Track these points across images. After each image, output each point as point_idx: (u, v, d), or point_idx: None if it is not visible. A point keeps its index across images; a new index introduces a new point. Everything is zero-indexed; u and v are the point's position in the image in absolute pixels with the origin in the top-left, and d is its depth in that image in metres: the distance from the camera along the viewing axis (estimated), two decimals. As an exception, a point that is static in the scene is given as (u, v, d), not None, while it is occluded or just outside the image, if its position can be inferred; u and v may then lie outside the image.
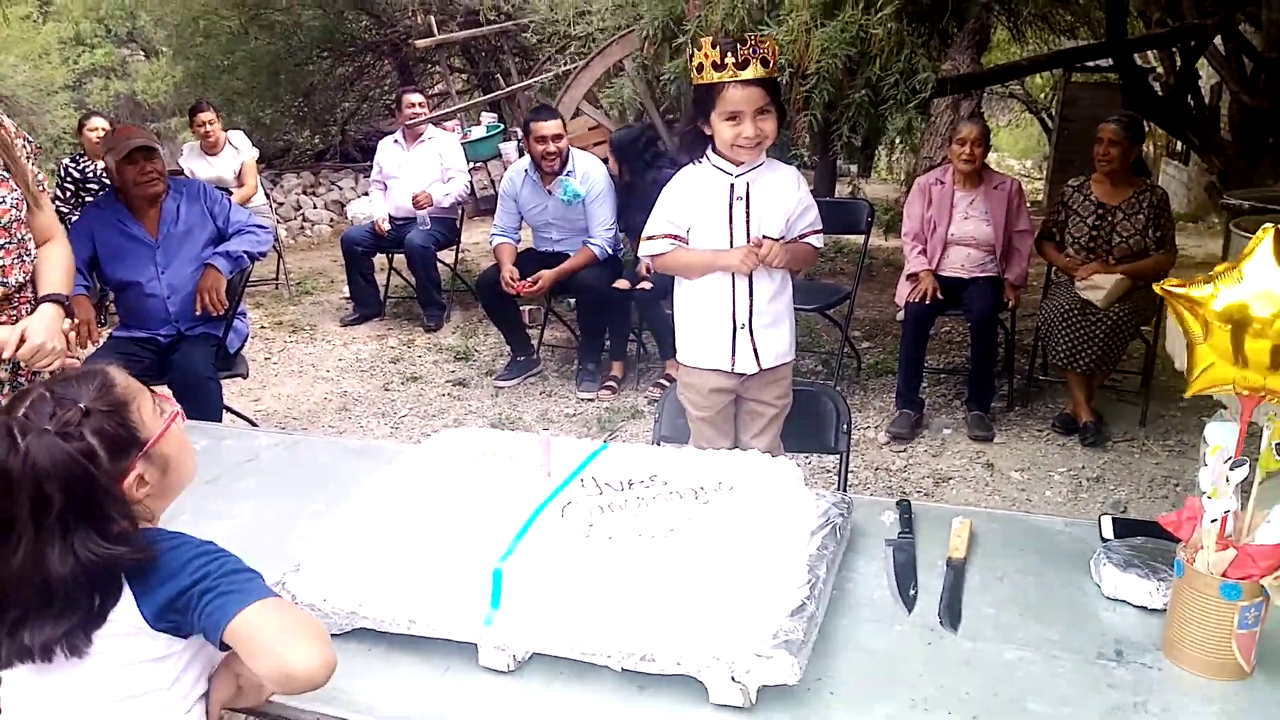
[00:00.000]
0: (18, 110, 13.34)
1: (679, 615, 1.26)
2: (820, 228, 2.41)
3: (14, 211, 1.87)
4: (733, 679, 1.21)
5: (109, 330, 3.65)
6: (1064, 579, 1.48)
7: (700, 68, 2.15)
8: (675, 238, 2.30)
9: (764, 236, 2.26)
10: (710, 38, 2.16)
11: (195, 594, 1.13)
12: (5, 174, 1.86)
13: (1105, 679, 1.25)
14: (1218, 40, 7.32)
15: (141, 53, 17.06)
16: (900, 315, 4.16)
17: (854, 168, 11.03)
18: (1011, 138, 20.33)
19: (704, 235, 2.29)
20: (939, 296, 3.98)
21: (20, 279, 1.90)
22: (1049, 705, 1.20)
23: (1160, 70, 9.28)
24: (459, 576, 1.35)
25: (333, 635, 1.36)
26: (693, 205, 2.28)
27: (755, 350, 2.31)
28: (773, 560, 1.38)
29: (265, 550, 1.59)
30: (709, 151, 2.26)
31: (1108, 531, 1.58)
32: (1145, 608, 1.38)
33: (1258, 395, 1.18)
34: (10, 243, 1.87)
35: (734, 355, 2.32)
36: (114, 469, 1.14)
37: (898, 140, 5.66)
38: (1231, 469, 1.19)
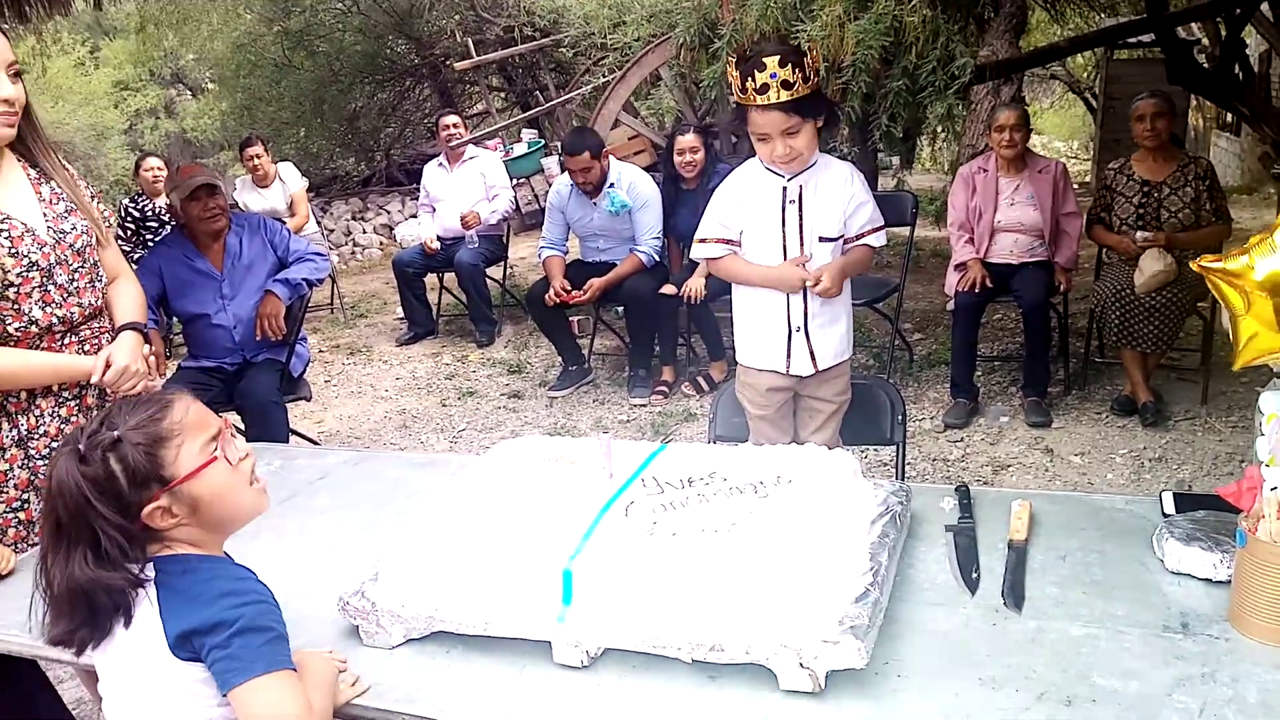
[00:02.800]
0: (75, 155, 13.82)
1: (745, 605, 1.30)
2: (880, 224, 2.41)
3: (85, 238, 1.96)
4: (801, 665, 1.24)
5: (177, 362, 3.78)
6: (1127, 556, 1.49)
7: (731, 87, 2.20)
8: (728, 241, 2.33)
9: (820, 239, 2.28)
10: (734, 59, 2.20)
11: (209, 643, 1.17)
12: (73, 205, 1.96)
13: (1172, 651, 1.26)
14: (1265, 7, 7.16)
15: (188, 91, 17.56)
16: (950, 305, 4.15)
17: (896, 159, 10.96)
18: (1056, 119, 20.02)
19: (757, 238, 2.32)
20: (989, 284, 3.96)
21: (94, 302, 1.99)
22: (1116, 679, 1.21)
23: (1206, 41, 9.11)
24: (530, 577, 1.39)
25: (411, 639, 1.44)
26: (746, 208, 2.31)
27: (811, 352, 2.34)
28: (834, 549, 1.40)
29: (342, 561, 1.66)
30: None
31: (1169, 507, 1.58)
32: (1210, 580, 1.38)
33: (1309, 362, 1.18)
34: (83, 266, 1.96)
35: (789, 358, 2.35)
36: (134, 496, 1.19)
37: (939, 129, 5.64)
38: (1288, 437, 1.20)
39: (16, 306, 1.85)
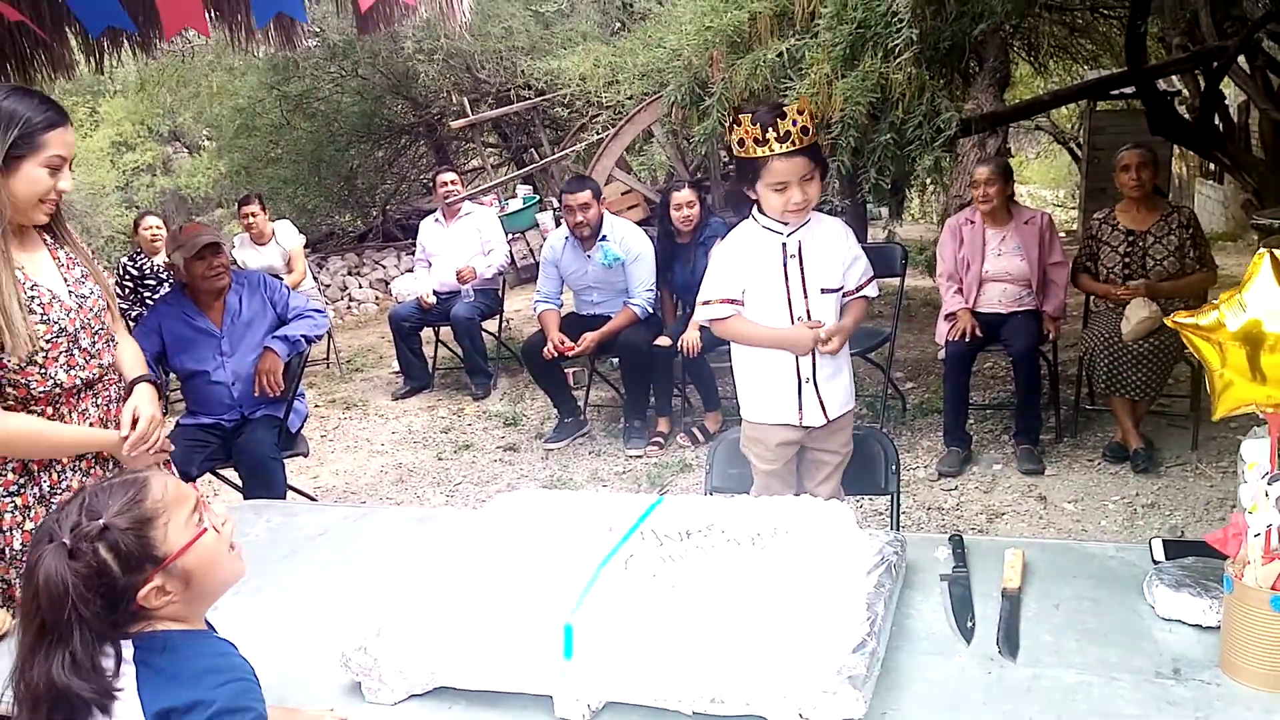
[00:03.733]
0: (72, 215, 13.93)
1: (745, 657, 1.32)
2: (872, 275, 2.47)
3: (101, 301, 2.05)
4: (800, 716, 1.25)
5: (175, 419, 3.80)
6: (1119, 603, 1.51)
7: (741, 142, 2.22)
8: (733, 301, 2.36)
9: (821, 291, 2.34)
10: (750, 114, 2.22)
11: None
12: (87, 270, 2.04)
13: (1165, 697, 1.28)
14: (1242, 59, 7.35)
15: (185, 149, 17.76)
16: (941, 354, 4.20)
17: (885, 211, 11.12)
18: (1042, 169, 20.33)
19: (760, 295, 2.35)
20: (978, 334, 4.02)
21: (110, 361, 2.07)
22: (1111, 725, 1.23)
23: (1186, 93, 9.31)
24: (532, 632, 1.41)
25: (414, 695, 1.45)
26: (747, 267, 2.34)
27: (822, 403, 2.38)
28: (831, 599, 1.43)
29: (344, 617, 1.68)
30: (755, 212, 2.34)
31: (1159, 554, 1.61)
32: (1200, 625, 1.40)
33: (1283, 411, 1.22)
34: (102, 329, 2.04)
35: (801, 409, 2.38)
36: (128, 581, 1.18)
37: (927, 181, 5.75)
38: (1270, 484, 1.23)
39: (43, 370, 1.92)
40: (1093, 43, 9.11)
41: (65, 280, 1.97)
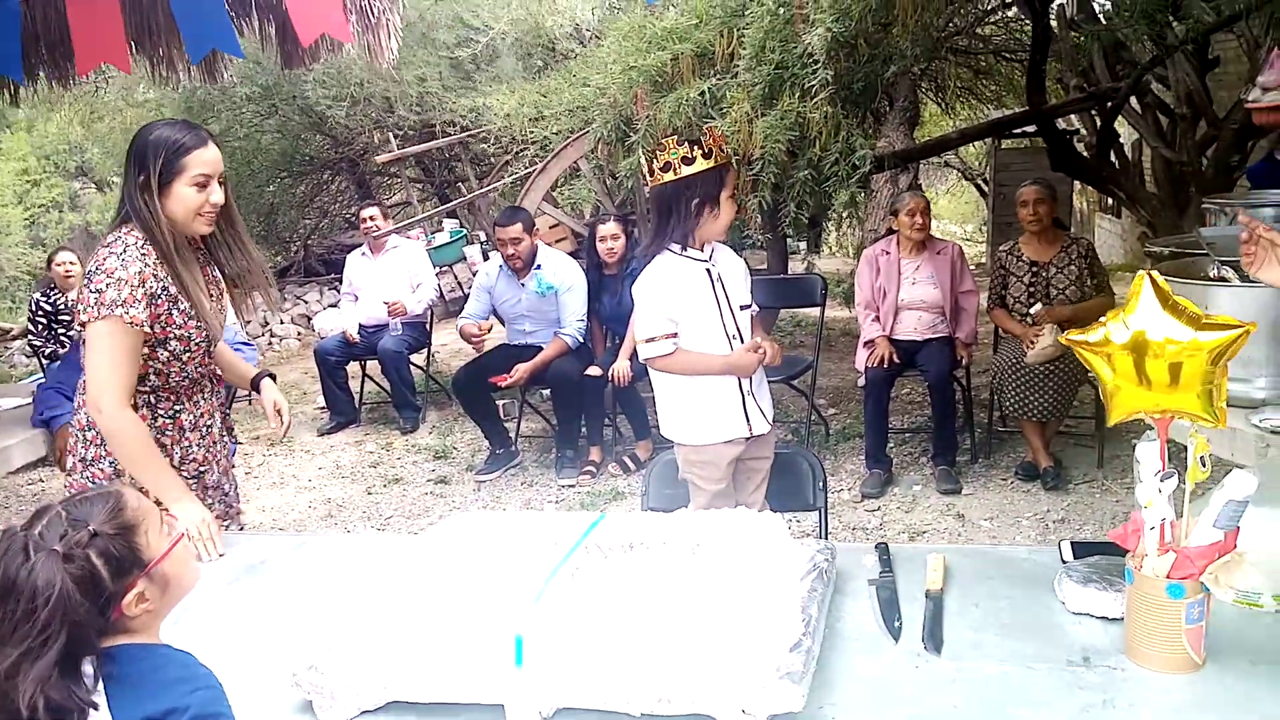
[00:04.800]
0: (-25, 251, 13.42)
1: (690, 659, 1.38)
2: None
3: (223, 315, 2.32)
4: (744, 712, 1.32)
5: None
6: (1033, 600, 1.62)
7: (710, 153, 2.33)
8: (673, 336, 2.42)
9: (740, 308, 2.46)
10: (709, 128, 2.38)
11: None
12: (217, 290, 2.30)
13: (1076, 683, 1.38)
14: (1134, 100, 7.80)
15: (93, 185, 17.30)
16: (861, 381, 4.36)
17: (804, 244, 11.42)
18: (951, 204, 21.09)
19: (696, 323, 2.43)
20: (896, 360, 4.19)
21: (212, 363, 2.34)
22: (1029, 709, 1.33)
23: (1084, 131, 9.82)
24: (482, 642, 1.46)
25: (365, 711, 1.48)
26: (681, 298, 2.42)
27: (761, 410, 2.50)
28: (768, 603, 1.51)
29: (291, 639, 1.69)
30: (672, 245, 2.43)
31: (1068, 555, 1.73)
32: (1107, 618, 1.52)
33: (1167, 415, 1.35)
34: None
35: (749, 420, 2.47)
36: (116, 587, 1.21)
37: (844, 215, 5.96)
38: (1161, 481, 1.35)
39: (183, 366, 2.19)
40: (996, 84, 9.58)
41: (208, 293, 2.23)
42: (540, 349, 4.72)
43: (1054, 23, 6.73)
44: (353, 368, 6.16)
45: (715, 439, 2.46)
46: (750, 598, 1.50)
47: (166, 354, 2.14)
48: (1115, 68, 7.14)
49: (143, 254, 2.08)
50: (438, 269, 6.33)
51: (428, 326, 6.12)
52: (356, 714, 1.47)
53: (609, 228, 4.71)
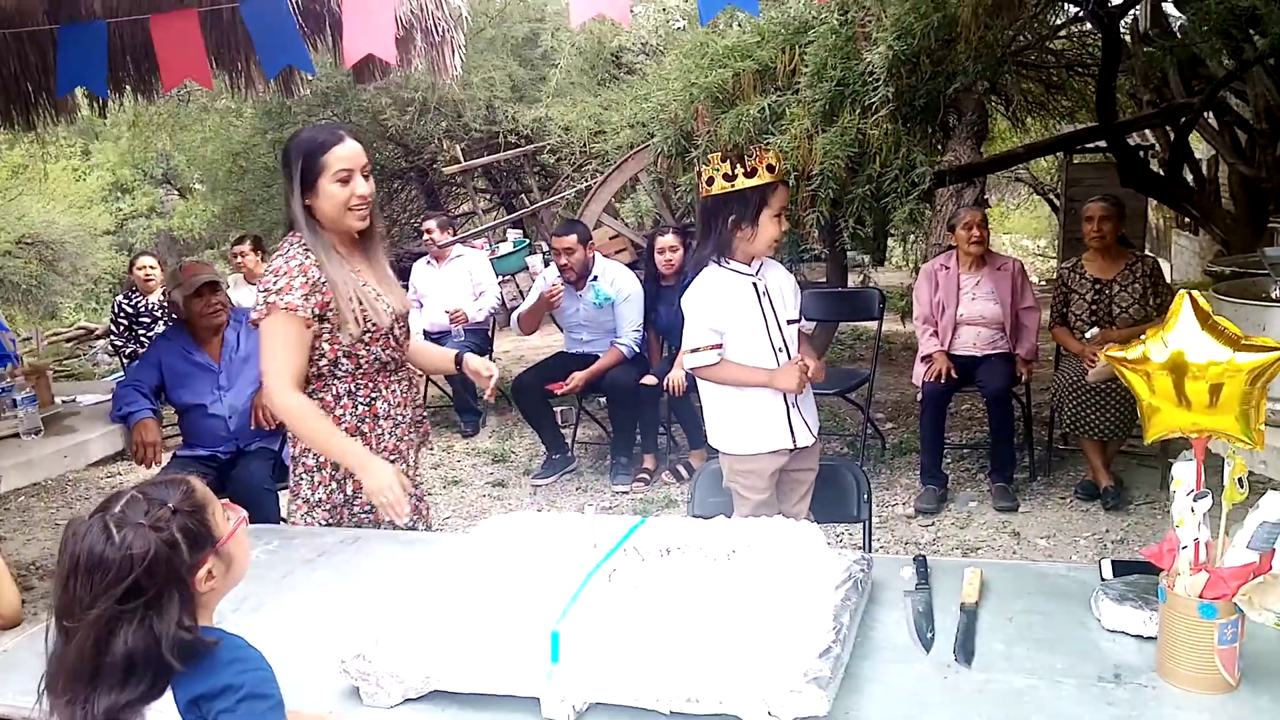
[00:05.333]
0: (63, 255, 14.04)
1: (719, 660, 1.42)
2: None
3: (400, 306, 2.39)
4: (769, 714, 1.35)
5: (171, 451, 3.88)
6: (1068, 616, 1.62)
7: (753, 172, 2.36)
8: (717, 346, 2.46)
9: (787, 322, 2.49)
10: (758, 145, 2.42)
11: (216, 708, 1.27)
12: (391, 281, 2.41)
13: (1105, 699, 1.39)
14: (1212, 115, 7.62)
15: (175, 192, 17.95)
16: (919, 395, 4.34)
17: (867, 258, 11.34)
18: (1023, 220, 20.73)
19: (742, 336, 2.47)
20: (954, 375, 4.16)
21: (403, 354, 2.43)
22: (1054, 722, 1.34)
23: (1159, 147, 9.60)
24: (520, 639, 1.51)
25: (408, 699, 1.54)
26: (726, 310, 2.46)
27: (806, 422, 2.52)
28: (800, 610, 1.53)
29: (341, 628, 1.77)
30: (718, 259, 2.47)
31: (1108, 573, 1.72)
32: (1141, 636, 1.52)
33: (1204, 435, 1.35)
34: (404, 327, 2.41)
35: (793, 432, 2.50)
36: (191, 561, 1.31)
37: (913, 231, 5.92)
38: (1195, 500, 1.35)
39: (368, 348, 2.28)
40: (1069, 99, 9.41)
41: (379, 285, 2.33)
42: (597, 358, 4.79)
43: (1126, 37, 6.62)
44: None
45: (759, 449, 2.49)
46: (783, 604, 1.53)
47: (348, 336, 2.23)
48: (1191, 82, 6.99)
49: (303, 248, 2.21)
50: (500, 278, 6.45)
51: (489, 334, 6.24)
52: (400, 701, 1.53)
53: (667, 240, 4.77)
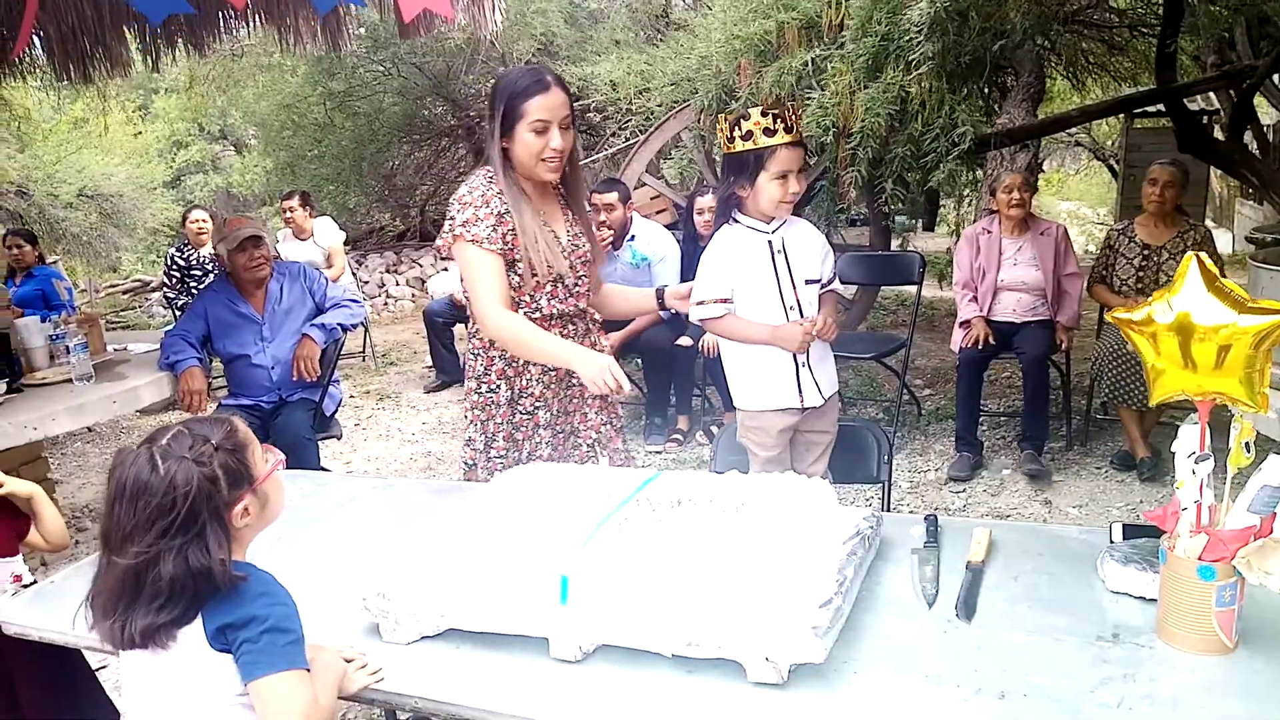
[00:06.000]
0: (122, 207, 14.35)
1: (722, 608, 1.46)
2: (835, 273, 2.62)
3: (587, 255, 2.39)
4: (767, 659, 1.39)
5: (217, 399, 4.01)
6: (1074, 576, 1.63)
7: (749, 135, 2.35)
8: (725, 300, 2.48)
9: (806, 282, 2.47)
10: (759, 107, 2.38)
11: (240, 636, 1.35)
12: (583, 230, 2.39)
13: (1101, 656, 1.40)
14: (1276, 78, 7.36)
15: (232, 148, 18.22)
16: (957, 362, 4.31)
17: (918, 222, 11.18)
18: (1083, 184, 20.23)
19: (753, 292, 2.48)
20: (991, 341, 4.12)
21: (583, 306, 2.41)
22: (1049, 678, 1.36)
23: (1223, 112, 9.30)
24: (532, 581, 1.56)
25: (425, 636, 1.61)
26: (738, 266, 2.47)
27: (817, 384, 2.51)
28: (805, 561, 1.56)
29: (366, 568, 1.84)
30: (737, 214, 2.47)
31: (1117, 535, 1.73)
32: (1144, 598, 1.52)
33: (1210, 397, 1.35)
34: (584, 276, 2.38)
35: (801, 392, 2.51)
36: (229, 498, 1.39)
37: (951, 191, 5.82)
38: (1197, 463, 1.36)
39: (533, 296, 2.28)
40: (1131, 60, 9.13)
41: (567, 233, 2.34)
42: (632, 319, 4.82)
43: (1190, -5, 6.41)
44: (460, 329, 6.40)
45: (766, 406, 2.52)
46: (788, 556, 1.56)
47: (516, 278, 2.24)
48: (1259, 44, 6.75)
49: (489, 181, 2.23)
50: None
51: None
52: (417, 638, 1.60)
53: (706, 200, 4.76)
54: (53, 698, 2.11)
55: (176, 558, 1.32)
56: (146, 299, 10.54)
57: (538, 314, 2.30)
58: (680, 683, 1.43)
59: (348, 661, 1.53)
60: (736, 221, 2.47)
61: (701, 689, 1.41)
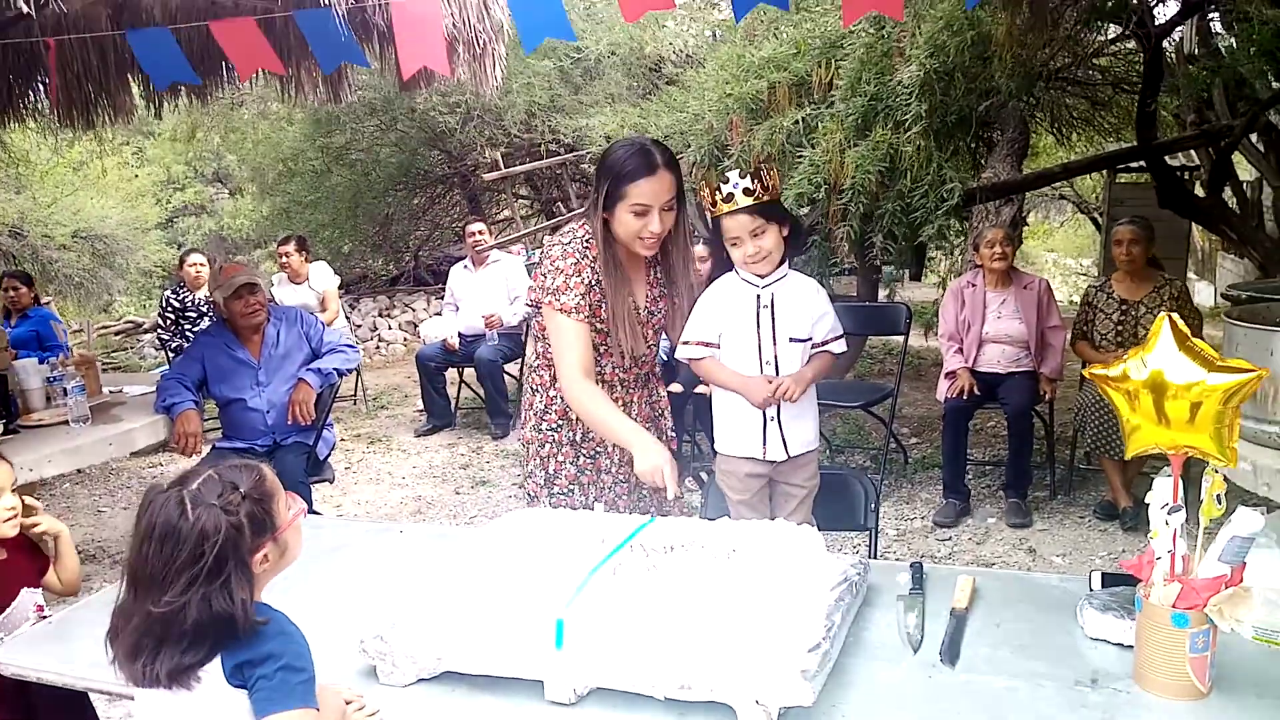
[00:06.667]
0: (116, 249, 14.41)
1: (713, 652, 1.50)
2: (840, 334, 2.63)
3: (664, 319, 2.52)
4: (757, 703, 1.43)
5: (211, 443, 4.04)
6: (1054, 624, 1.68)
7: (714, 203, 2.44)
8: (708, 344, 2.56)
9: (790, 340, 2.53)
10: (707, 181, 2.47)
11: (257, 673, 1.39)
12: (664, 293, 2.50)
13: (1080, 701, 1.45)
14: (1255, 137, 7.54)
15: (225, 191, 18.37)
16: (943, 411, 4.38)
17: (906, 272, 11.31)
18: (1067, 238, 20.53)
19: (734, 341, 2.54)
20: (976, 392, 4.20)
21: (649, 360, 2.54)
22: (1029, 721, 1.41)
23: (1203, 169, 9.51)
24: (528, 624, 1.60)
25: (422, 679, 1.64)
26: (724, 314, 2.54)
27: (784, 440, 2.55)
28: (794, 608, 1.61)
29: (362, 611, 1.87)
30: (735, 268, 2.55)
31: (1096, 584, 1.78)
32: (1122, 644, 1.57)
33: (1182, 451, 1.41)
34: (652, 333, 2.50)
35: (765, 445, 2.56)
36: (252, 545, 1.43)
37: (940, 245, 5.93)
38: (1170, 514, 1.41)
39: (599, 361, 2.37)
40: (1115, 116, 9.35)
41: (645, 296, 2.45)
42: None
43: (1171, 57, 6.59)
44: (452, 374, 6.45)
45: (733, 452, 2.59)
46: (777, 601, 1.60)
47: (595, 338, 2.32)
48: (1236, 104, 6.94)
49: (585, 247, 2.30)
50: (536, 283, 6.58)
51: (522, 338, 6.36)
52: (413, 681, 1.63)
53: (697, 249, 4.83)
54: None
55: (204, 604, 1.36)
56: (139, 340, 10.56)
57: (599, 377, 2.36)
58: (672, 725, 1.47)
59: (347, 703, 1.56)
60: (737, 273, 2.55)
61: (693, 732, 1.45)
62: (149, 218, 15.82)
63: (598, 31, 8.77)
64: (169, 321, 6.50)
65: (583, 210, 2.57)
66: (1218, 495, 1.44)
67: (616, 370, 2.41)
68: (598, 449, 2.44)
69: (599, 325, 2.33)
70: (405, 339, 9.90)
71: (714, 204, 2.42)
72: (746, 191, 2.38)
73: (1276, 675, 1.49)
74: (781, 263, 2.52)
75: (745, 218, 2.41)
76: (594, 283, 2.28)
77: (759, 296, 2.52)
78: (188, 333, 6.30)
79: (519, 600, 1.65)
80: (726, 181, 2.39)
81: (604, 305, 2.30)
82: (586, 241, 2.30)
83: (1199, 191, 7.83)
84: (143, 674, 1.38)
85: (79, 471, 5.81)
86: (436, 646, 1.64)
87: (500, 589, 1.69)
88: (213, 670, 1.39)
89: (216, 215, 17.61)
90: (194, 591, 1.36)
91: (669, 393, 4.66)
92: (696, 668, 1.49)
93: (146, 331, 10.57)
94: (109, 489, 5.62)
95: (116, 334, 11.15)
